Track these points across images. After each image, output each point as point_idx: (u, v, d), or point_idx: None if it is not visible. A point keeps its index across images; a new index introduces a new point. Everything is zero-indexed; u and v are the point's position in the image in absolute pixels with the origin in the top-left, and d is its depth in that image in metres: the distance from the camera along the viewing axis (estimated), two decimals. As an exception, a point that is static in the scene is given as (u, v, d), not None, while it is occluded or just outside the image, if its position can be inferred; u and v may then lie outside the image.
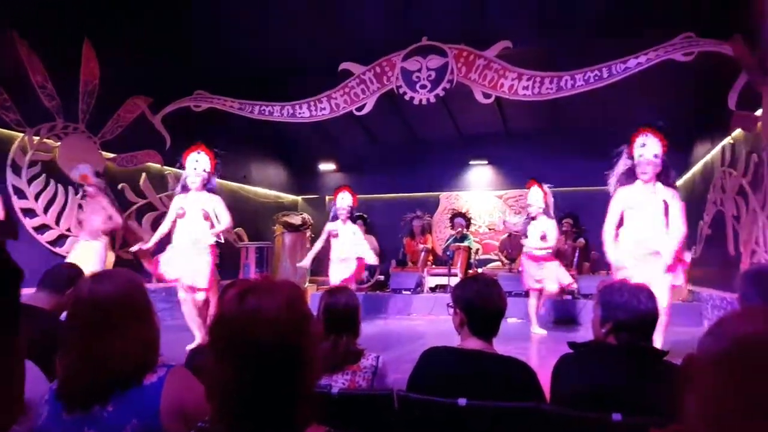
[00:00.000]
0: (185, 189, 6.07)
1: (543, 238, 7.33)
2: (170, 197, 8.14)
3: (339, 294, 2.47)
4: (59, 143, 6.88)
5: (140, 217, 7.92)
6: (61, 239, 6.88)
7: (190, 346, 5.54)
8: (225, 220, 6.07)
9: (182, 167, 6.16)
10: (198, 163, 6.03)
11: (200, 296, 5.83)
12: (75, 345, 1.53)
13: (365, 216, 11.31)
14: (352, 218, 7.90)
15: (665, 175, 4.97)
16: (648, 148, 4.95)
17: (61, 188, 6.88)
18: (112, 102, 7.54)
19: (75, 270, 2.90)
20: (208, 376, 1.15)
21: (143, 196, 8.02)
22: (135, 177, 7.95)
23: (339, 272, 7.51)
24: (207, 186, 6.07)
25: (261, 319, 1.09)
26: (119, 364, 1.49)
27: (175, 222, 6.03)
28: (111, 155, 7.56)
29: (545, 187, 7.44)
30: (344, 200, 7.70)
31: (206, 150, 6.11)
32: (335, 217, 7.71)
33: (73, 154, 6.98)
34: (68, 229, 6.93)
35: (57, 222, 6.82)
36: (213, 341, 1.14)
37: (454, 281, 8.42)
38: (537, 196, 7.37)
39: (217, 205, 6.08)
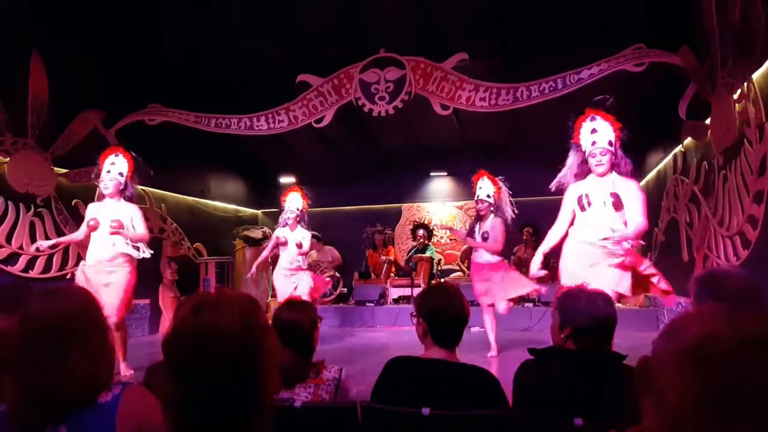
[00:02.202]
0: (101, 196, 5.64)
1: (486, 238, 6.37)
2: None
3: (287, 308, 2.44)
4: (8, 159, 6.66)
5: (95, 233, 7.71)
6: (13, 257, 6.65)
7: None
8: (141, 230, 5.49)
9: (99, 172, 5.73)
10: (114, 166, 5.54)
11: (112, 321, 5.09)
12: (25, 364, 1.47)
13: (318, 234, 11.17)
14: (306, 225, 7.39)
15: (620, 165, 4.38)
16: (600, 134, 4.35)
17: (11, 205, 6.65)
18: (64, 116, 7.34)
19: (25, 287, 2.81)
20: (163, 391, 1.12)
21: (98, 212, 7.82)
22: (89, 193, 7.73)
23: (285, 287, 7.10)
24: (124, 193, 5.60)
25: (215, 332, 1.06)
26: (72, 383, 1.43)
27: (88, 235, 5.48)
28: (63, 171, 7.36)
29: (499, 180, 6.69)
30: (292, 203, 7.36)
31: (125, 153, 5.69)
32: (285, 224, 7.37)
33: (23, 171, 6.77)
34: (20, 247, 6.71)
35: (8, 240, 6.59)
36: (168, 356, 1.11)
37: (417, 292, 8.34)
38: (489, 189, 6.53)
39: (134, 214, 5.53)
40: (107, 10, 7.17)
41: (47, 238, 7.01)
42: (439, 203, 12.36)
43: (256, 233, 10.51)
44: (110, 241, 5.40)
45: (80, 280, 5.34)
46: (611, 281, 4.17)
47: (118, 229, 5.30)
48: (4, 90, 6.53)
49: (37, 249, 5.75)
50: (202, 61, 8.29)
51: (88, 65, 7.46)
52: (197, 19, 7.52)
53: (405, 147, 11.49)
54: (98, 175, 5.75)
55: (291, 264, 7.20)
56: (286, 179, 12.75)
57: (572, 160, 4.66)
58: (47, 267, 7.03)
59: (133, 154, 5.81)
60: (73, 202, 7.44)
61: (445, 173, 12.28)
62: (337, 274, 10.64)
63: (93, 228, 5.39)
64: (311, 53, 8.11)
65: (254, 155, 11.56)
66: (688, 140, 6.57)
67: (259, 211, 12.95)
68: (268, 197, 12.92)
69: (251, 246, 10.39)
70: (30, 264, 6.82)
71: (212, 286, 9.31)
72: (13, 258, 6.65)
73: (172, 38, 7.82)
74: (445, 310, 2.14)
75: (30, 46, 6.85)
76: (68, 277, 7.25)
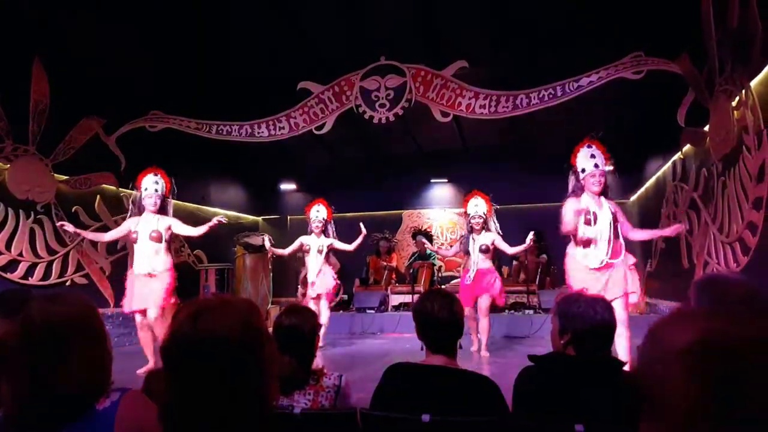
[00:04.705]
0: (140, 210, 6.03)
1: (486, 250, 6.95)
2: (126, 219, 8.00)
3: (287, 314, 2.43)
4: (9, 166, 6.68)
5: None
6: (12, 264, 6.66)
7: (141, 370, 5.43)
8: (190, 231, 6.23)
9: (135, 188, 6.18)
10: (156, 185, 6.04)
11: (152, 313, 5.74)
12: (24, 370, 1.46)
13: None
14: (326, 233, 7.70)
15: (607, 191, 5.07)
16: (599, 159, 4.98)
17: (11, 212, 6.66)
18: (65, 123, 7.36)
19: (26, 293, 2.80)
20: (161, 397, 1.12)
21: (98, 218, 7.83)
22: (89, 200, 7.76)
23: (313, 289, 7.46)
24: (162, 208, 6.07)
25: (214, 337, 1.06)
26: (71, 388, 1.43)
27: (131, 247, 6.04)
28: (64, 177, 7.37)
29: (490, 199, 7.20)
30: (319, 213, 7.60)
31: (162, 173, 6.13)
32: (311, 231, 7.63)
33: (24, 177, 6.79)
34: (20, 254, 6.71)
35: (8, 247, 6.60)
36: (166, 361, 1.11)
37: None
38: (483, 207, 7.04)
39: (173, 223, 6.09)
40: (107, 16, 7.17)
41: (47, 245, 7.04)
42: (440, 210, 12.38)
43: (257, 240, 10.49)
44: (153, 249, 5.86)
45: (130, 283, 5.89)
46: (624, 283, 4.79)
47: (157, 239, 5.89)
48: (6, 97, 6.55)
49: (63, 227, 6.22)
50: (204, 69, 8.31)
51: (89, 71, 7.47)
52: (197, 26, 7.53)
53: (405, 154, 11.51)
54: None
55: (316, 268, 7.50)
56: (286, 186, 12.77)
57: (572, 180, 5.20)
58: (47, 274, 7.04)
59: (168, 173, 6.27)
60: (73, 209, 7.45)
61: (446, 180, 12.30)
62: (337, 281, 10.61)
63: (134, 240, 5.92)
64: (312, 60, 8.14)
65: (255, 162, 11.57)
66: (687, 147, 6.58)
67: (259, 218, 12.95)
68: (268, 204, 12.93)
69: (251, 253, 10.38)
70: (29, 271, 6.83)
71: (212, 292, 9.30)
72: (12, 265, 6.66)
73: (173, 45, 7.84)
74: (433, 316, 2.14)
75: (32, 52, 6.87)
76: (68, 284, 7.25)
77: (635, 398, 0.89)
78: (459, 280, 11.32)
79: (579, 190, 5.04)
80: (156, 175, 6.08)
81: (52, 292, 1.67)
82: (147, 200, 5.96)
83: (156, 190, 5.99)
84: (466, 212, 7.18)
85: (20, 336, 1.52)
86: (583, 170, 5.00)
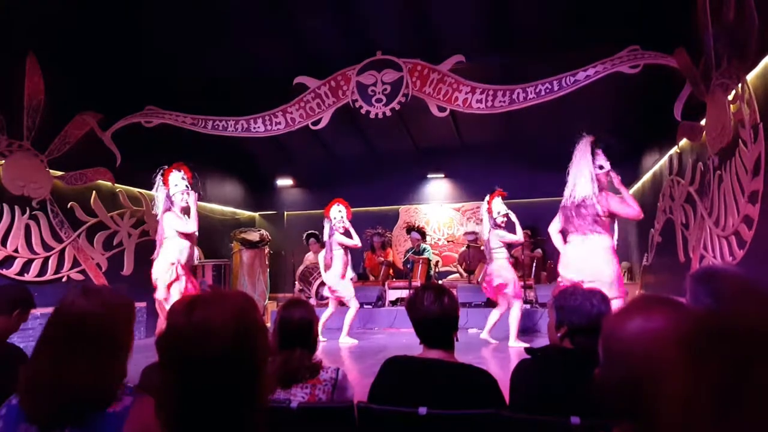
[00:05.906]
0: (169, 207, 6.16)
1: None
2: (121, 215, 8.02)
3: (294, 307, 2.41)
4: (3, 162, 6.65)
5: (91, 236, 7.69)
6: (8, 260, 6.63)
7: None
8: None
9: (164, 185, 6.28)
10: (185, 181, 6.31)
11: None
12: (46, 358, 1.44)
13: (317, 234, 11.15)
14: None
15: None
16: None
17: (6, 208, 6.64)
18: (60, 118, 7.32)
19: (22, 291, 2.79)
20: (157, 392, 1.11)
21: (94, 214, 7.80)
22: (85, 195, 7.73)
23: None
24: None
25: (208, 329, 1.05)
26: (87, 387, 1.39)
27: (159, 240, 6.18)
28: (59, 173, 7.34)
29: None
30: (341, 212, 7.83)
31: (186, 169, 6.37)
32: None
33: (18, 173, 6.75)
34: (15, 250, 6.69)
35: (3, 243, 6.57)
36: (161, 353, 1.10)
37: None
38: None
39: None
40: (104, 11, 7.14)
41: (43, 241, 7.01)
42: (437, 205, 12.37)
43: (254, 236, 10.48)
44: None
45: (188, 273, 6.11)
46: None
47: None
48: (1, 92, 6.51)
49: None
50: (200, 63, 8.28)
51: (84, 67, 7.43)
52: (195, 21, 7.50)
53: (402, 149, 11.50)
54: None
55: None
56: (283, 181, 12.74)
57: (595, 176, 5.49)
58: (43, 270, 7.01)
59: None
60: (68, 205, 7.42)
61: (443, 175, 12.29)
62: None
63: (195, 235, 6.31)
64: (309, 55, 8.11)
65: (251, 157, 11.54)
66: (684, 141, 6.58)
67: (256, 214, 12.93)
68: (265, 199, 12.90)
69: (248, 248, 10.36)
70: (25, 267, 6.80)
71: (209, 285, 9.30)
72: (8, 261, 6.63)
73: (169, 40, 7.81)
74: (424, 311, 2.14)
75: (26, 47, 6.82)
76: (64, 280, 7.22)
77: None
78: (456, 275, 11.39)
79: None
80: (180, 171, 6.32)
81: (91, 286, 1.64)
82: (179, 195, 6.16)
83: (186, 186, 6.23)
84: (490, 209, 7.35)
85: (49, 323, 1.50)
86: (601, 167, 5.44)
